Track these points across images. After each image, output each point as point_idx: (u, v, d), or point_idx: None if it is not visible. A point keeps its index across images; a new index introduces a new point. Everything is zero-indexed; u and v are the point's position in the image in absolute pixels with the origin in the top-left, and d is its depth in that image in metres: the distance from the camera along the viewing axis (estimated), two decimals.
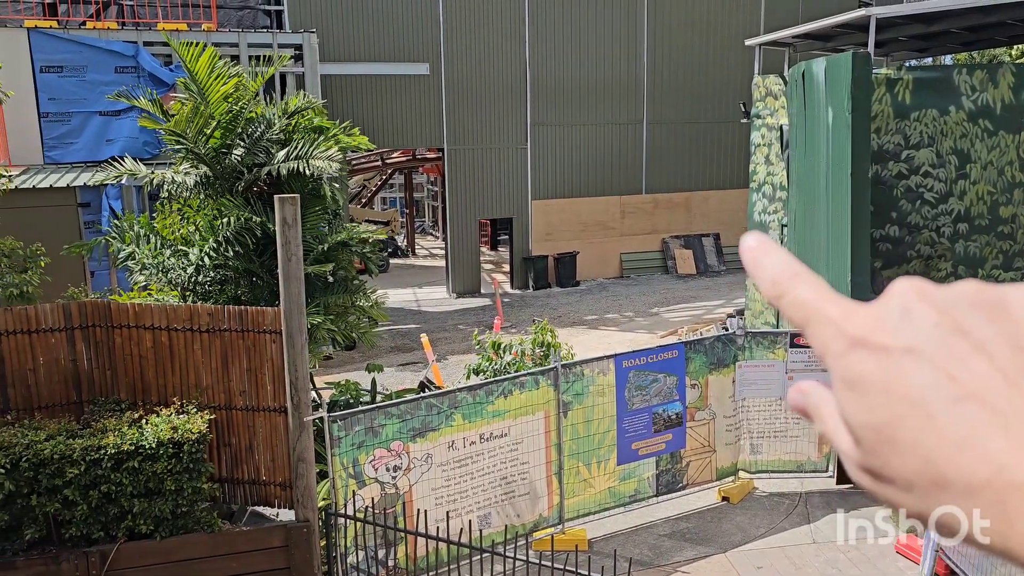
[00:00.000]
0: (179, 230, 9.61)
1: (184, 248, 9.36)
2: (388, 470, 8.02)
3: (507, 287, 23.16)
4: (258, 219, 9.00)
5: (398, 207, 36.39)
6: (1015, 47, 23.70)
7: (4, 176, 10.04)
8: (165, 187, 9.28)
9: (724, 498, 10.08)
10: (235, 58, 15.44)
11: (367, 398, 10.55)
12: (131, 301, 8.39)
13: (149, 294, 9.62)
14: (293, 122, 9.81)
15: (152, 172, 9.52)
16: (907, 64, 16.66)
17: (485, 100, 22.00)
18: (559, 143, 22.85)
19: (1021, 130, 11.38)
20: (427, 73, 21.43)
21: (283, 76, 16.71)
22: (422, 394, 9.01)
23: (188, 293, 9.34)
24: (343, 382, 10.67)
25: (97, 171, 13.85)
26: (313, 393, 9.10)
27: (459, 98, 21.76)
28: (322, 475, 8.03)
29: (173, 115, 9.21)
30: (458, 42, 21.56)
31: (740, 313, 16.33)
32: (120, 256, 9.76)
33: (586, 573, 7.01)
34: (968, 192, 11.57)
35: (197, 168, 9.36)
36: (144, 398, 7.56)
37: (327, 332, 9.39)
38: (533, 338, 10.50)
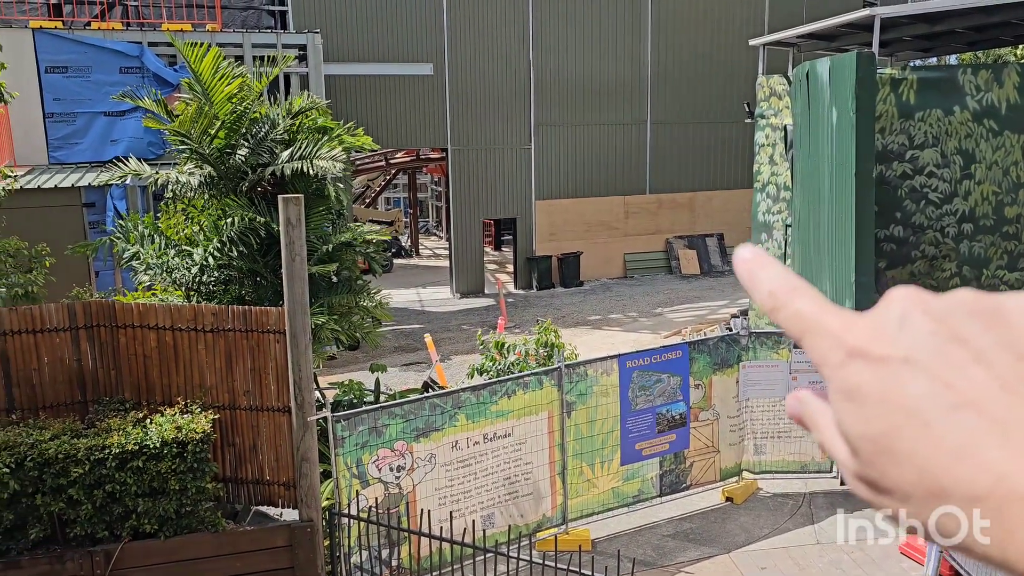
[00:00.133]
0: (183, 230, 9.63)
1: (188, 248, 9.38)
2: (392, 470, 8.02)
3: (511, 287, 23.16)
4: (262, 219, 9.01)
5: (402, 207, 36.41)
6: (1020, 47, 23.64)
7: (9, 176, 10.07)
8: (169, 187, 9.30)
9: (728, 499, 10.07)
10: (239, 58, 15.46)
11: (371, 398, 10.55)
12: (135, 301, 8.41)
13: (153, 294, 9.64)
14: (297, 122, 9.83)
15: (156, 172, 9.54)
16: (911, 64, 16.62)
17: (489, 100, 22.00)
18: (563, 143, 22.84)
19: None
20: (431, 73, 21.43)
21: (287, 76, 16.73)
22: (426, 394, 9.02)
23: (192, 293, 9.35)
24: (347, 382, 10.68)
25: (102, 171, 13.88)
26: (317, 393, 9.11)
27: (463, 98, 21.77)
28: (326, 475, 8.04)
29: (177, 115, 9.23)
30: (462, 42, 21.56)
31: (744, 313, 16.32)
32: (124, 256, 9.78)
33: (589, 573, 7.00)
34: (973, 192, 11.54)
35: (201, 168, 9.38)
36: (148, 398, 7.57)
37: (331, 332, 9.41)
38: (537, 338, 10.50)
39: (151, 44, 15.61)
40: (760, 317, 15.57)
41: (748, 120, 16.70)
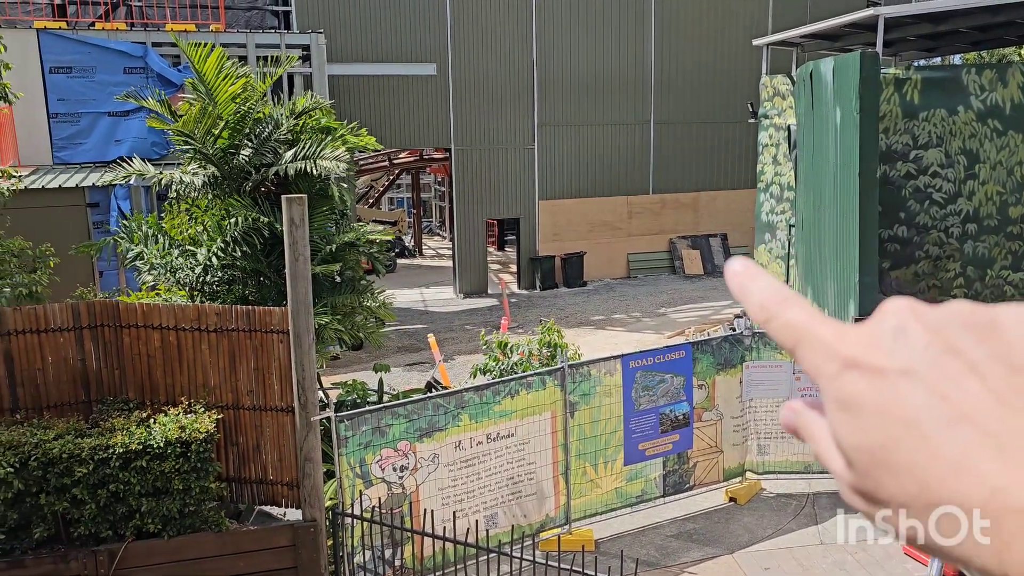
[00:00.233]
0: (187, 230, 9.64)
1: (192, 248, 9.39)
2: (395, 470, 8.02)
3: (514, 287, 23.16)
4: (266, 219, 9.03)
5: (405, 207, 36.43)
6: None
7: (14, 176, 10.09)
8: (173, 187, 9.32)
9: (731, 499, 10.07)
10: (243, 59, 15.48)
11: (374, 398, 10.56)
12: (139, 301, 8.43)
13: (157, 294, 9.65)
14: (301, 122, 9.83)
15: (160, 172, 9.56)
16: (915, 64, 16.60)
17: (492, 100, 22.00)
18: (566, 143, 22.84)
19: None
20: (434, 73, 21.44)
21: (291, 76, 16.75)
22: (429, 394, 9.02)
23: (196, 293, 9.37)
24: (350, 382, 10.69)
25: (106, 171, 13.91)
26: (320, 393, 9.12)
27: (466, 98, 21.77)
28: (329, 475, 8.05)
29: (181, 116, 9.25)
30: (465, 42, 21.57)
31: (747, 313, 16.29)
32: (128, 256, 9.80)
33: (593, 574, 7.00)
34: (977, 192, 11.52)
35: (205, 168, 9.40)
36: (152, 397, 7.58)
37: (334, 332, 9.41)
38: (540, 338, 10.50)
39: (155, 44, 15.64)
40: None
41: (752, 120, 16.68)
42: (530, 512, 8.96)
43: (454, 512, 8.07)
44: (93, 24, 16.87)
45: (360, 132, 10.56)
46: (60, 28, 15.56)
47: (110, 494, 6.70)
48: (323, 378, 10.68)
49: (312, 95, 10.48)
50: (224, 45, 12.43)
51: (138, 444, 6.67)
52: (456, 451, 8.34)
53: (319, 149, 9.21)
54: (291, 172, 9.11)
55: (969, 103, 11.34)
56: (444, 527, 7.68)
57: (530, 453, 8.85)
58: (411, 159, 28.29)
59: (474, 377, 10.57)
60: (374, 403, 9.97)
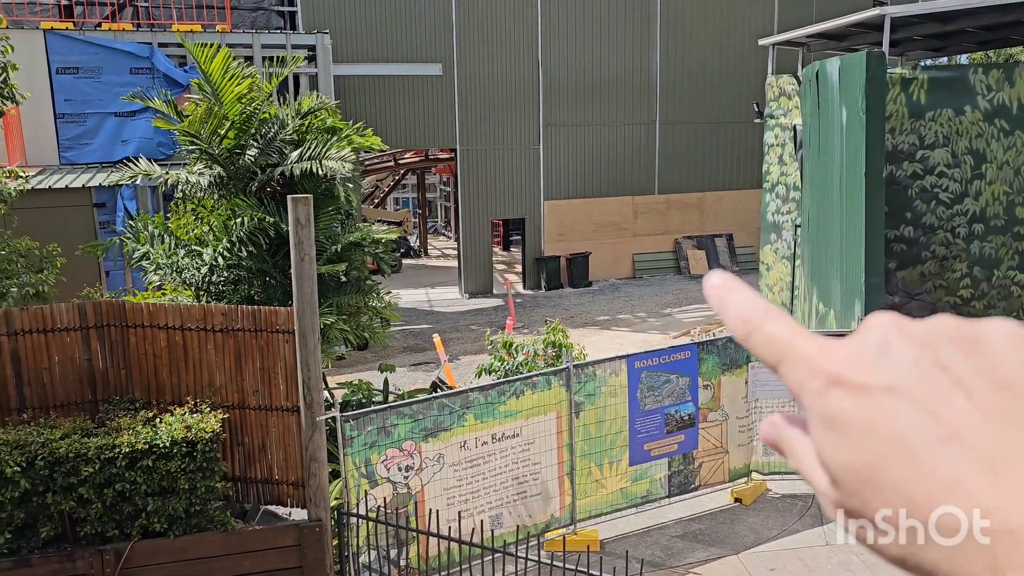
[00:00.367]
0: (193, 230, 9.66)
1: (198, 248, 9.41)
2: (400, 470, 8.03)
3: (519, 287, 23.16)
4: (271, 219, 9.04)
5: (411, 207, 36.45)
6: None
7: (21, 176, 10.12)
8: (179, 187, 9.34)
9: (737, 499, 10.05)
10: (249, 59, 15.51)
11: (379, 398, 10.57)
12: (145, 301, 8.45)
13: (163, 294, 9.68)
14: (306, 123, 9.85)
15: (166, 172, 9.59)
16: (922, 63, 16.55)
17: (498, 101, 22.01)
18: (571, 143, 22.83)
19: None
20: (440, 74, 21.46)
21: (296, 77, 16.77)
22: (434, 394, 9.02)
23: (202, 293, 9.39)
24: (355, 382, 10.70)
25: (112, 171, 13.95)
26: (326, 393, 9.13)
27: (472, 99, 21.78)
28: (334, 475, 8.06)
29: (187, 116, 9.27)
30: (471, 43, 21.58)
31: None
32: (135, 256, 9.82)
33: (598, 574, 7.00)
34: (984, 192, 11.49)
35: (211, 168, 9.42)
36: (158, 397, 7.60)
37: (340, 332, 9.43)
38: (545, 338, 10.50)
39: (161, 45, 15.68)
40: None
41: (757, 120, 16.66)
42: (535, 512, 8.96)
43: (459, 512, 8.07)
44: (100, 25, 16.92)
45: (365, 132, 10.57)
46: (67, 29, 15.61)
47: (116, 493, 6.71)
48: (328, 378, 10.70)
49: (318, 95, 10.50)
50: (230, 45, 12.46)
51: (144, 444, 6.69)
52: (461, 451, 8.34)
53: (324, 149, 9.22)
54: (297, 172, 9.12)
55: (976, 103, 11.31)
56: (449, 527, 7.68)
57: (535, 453, 8.85)
58: (416, 159, 28.32)
59: (479, 377, 10.57)
60: (379, 403, 9.98)
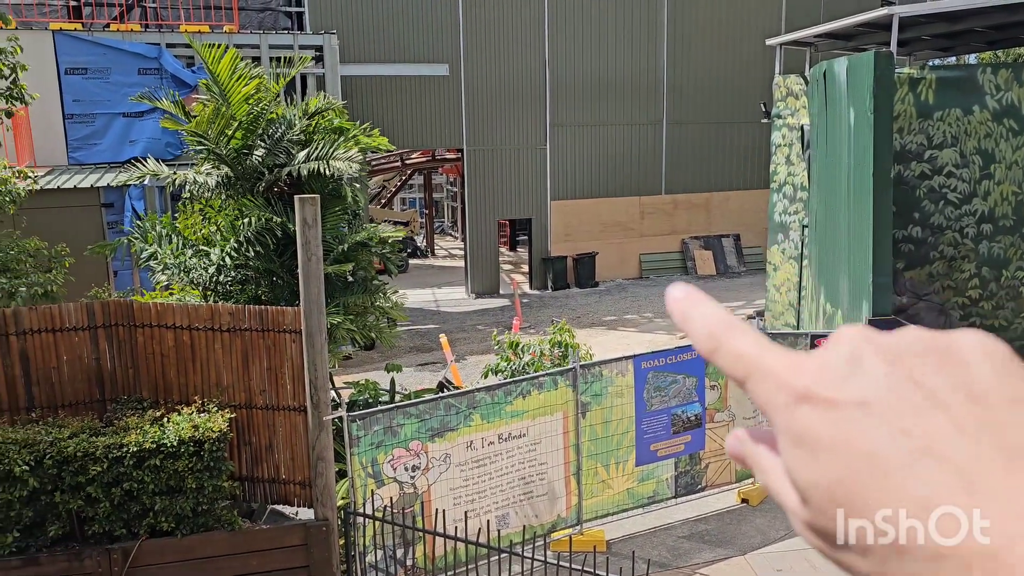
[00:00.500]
0: (200, 230, 9.69)
1: (205, 248, 9.44)
2: (407, 470, 8.04)
3: (526, 288, 23.16)
4: (278, 219, 9.06)
5: (418, 207, 36.50)
6: None
7: (30, 177, 10.17)
8: (187, 188, 9.37)
9: (743, 500, 10.03)
10: (256, 59, 15.54)
11: (386, 398, 10.59)
12: (153, 300, 8.48)
13: (171, 293, 9.71)
14: (313, 123, 9.87)
15: (174, 173, 9.62)
16: (930, 63, 16.49)
17: (504, 101, 22.01)
18: (578, 143, 22.82)
19: None
20: (447, 74, 21.47)
21: (304, 77, 16.81)
22: (441, 394, 9.03)
23: (209, 293, 9.41)
24: (362, 382, 10.72)
25: (120, 172, 14.00)
26: (332, 393, 9.15)
27: (478, 99, 21.79)
28: (341, 474, 8.07)
29: (195, 116, 9.30)
30: (478, 43, 21.59)
31: (760, 314, 16.25)
32: (142, 256, 9.86)
33: (604, 574, 6.99)
34: (992, 192, 11.44)
35: (218, 169, 9.44)
36: (166, 396, 7.63)
37: (347, 332, 9.44)
38: (552, 338, 10.49)
39: (169, 45, 15.73)
40: (776, 318, 15.49)
41: (765, 120, 16.62)
42: (542, 512, 8.96)
43: (466, 512, 8.07)
44: (108, 25, 16.98)
45: (373, 132, 10.58)
46: (75, 29, 15.68)
47: (124, 492, 6.74)
48: (335, 378, 10.72)
49: (325, 96, 10.52)
50: (238, 46, 12.49)
51: (152, 443, 6.71)
52: (468, 451, 8.35)
53: (332, 149, 9.24)
54: (304, 172, 9.14)
55: (984, 103, 11.26)
56: (456, 527, 7.69)
57: (542, 453, 8.85)
58: (423, 159, 28.35)
59: (486, 377, 10.57)
60: (386, 403, 9.99)
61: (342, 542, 7.67)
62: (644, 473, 9.56)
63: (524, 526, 8.37)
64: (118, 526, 6.84)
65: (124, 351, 7.61)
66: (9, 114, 9.54)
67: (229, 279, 9.38)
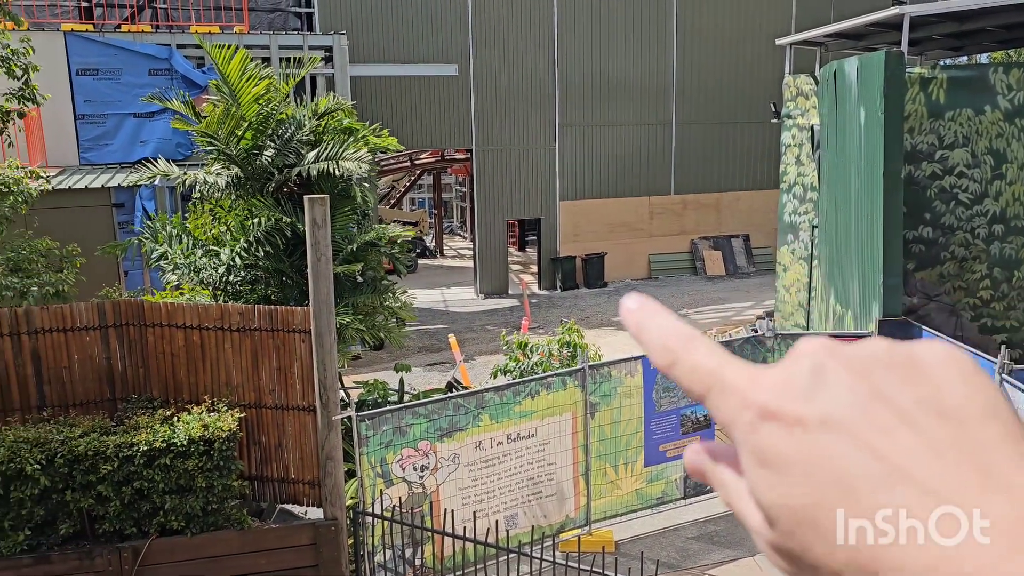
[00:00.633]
0: (211, 230, 9.73)
1: (215, 248, 9.47)
2: (415, 469, 8.05)
3: (535, 288, 23.16)
4: (288, 219, 9.09)
5: (427, 208, 36.54)
6: None
7: (41, 177, 10.22)
8: (197, 188, 9.40)
9: None
10: (266, 60, 15.59)
11: (395, 398, 10.60)
12: (163, 300, 8.51)
13: (181, 293, 9.74)
14: (323, 123, 9.89)
15: (184, 173, 9.65)
16: (941, 63, 16.41)
17: (514, 101, 22.02)
18: (587, 144, 22.81)
19: None
20: (456, 74, 21.49)
21: (313, 77, 16.85)
22: (449, 394, 9.04)
23: (219, 292, 9.45)
24: (371, 382, 10.73)
25: (131, 172, 14.07)
26: (341, 392, 9.16)
27: (488, 99, 21.80)
28: (350, 474, 8.09)
29: (205, 117, 9.33)
30: (487, 43, 21.60)
31: (770, 315, 16.20)
32: (153, 256, 9.90)
33: (613, 575, 6.99)
34: (1004, 193, 11.37)
35: (228, 169, 9.47)
36: (176, 396, 7.66)
37: (356, 332, 9.46)
38: (560, 339, 10.49)
39: (180, 46, 15.80)
40: (786, 318, 15.44)
41: (775, 120, 16.57)
42: (550, 513, 8.96)
43: (474, 512, 8.08)
44: (119, 26, 17.06)
45: (382, 133, 10.60)
46: (87, 31, 15.76)
47: (134, 491, 6.77)
48: (344, 377, 10.74)
49: (334, 96, 10.55)
50: (248, 47, 12.53)
51: (162, 442, 6.74)
52: (476, 451, 8.35)
53: (341, 150, 9.26)
54: (313, 173, 9.16)
55: (996, 102, 11.20)
56: (464, 527, 7.69)
57: (550, 454, 8.84)
58: (432, 160, 28.38)
59: (494, 377, 10.58)
60: (395, 403, 10.01)
61: (351, 541, 7.69)
62: (653, 474, 9.55)
63: (533, 526, 8.37)
64: (128, 525, 6.87)
65: (135, 350, 7.65)
66: (21, 115, 9.59)
67: (239, 279, 9.42)
